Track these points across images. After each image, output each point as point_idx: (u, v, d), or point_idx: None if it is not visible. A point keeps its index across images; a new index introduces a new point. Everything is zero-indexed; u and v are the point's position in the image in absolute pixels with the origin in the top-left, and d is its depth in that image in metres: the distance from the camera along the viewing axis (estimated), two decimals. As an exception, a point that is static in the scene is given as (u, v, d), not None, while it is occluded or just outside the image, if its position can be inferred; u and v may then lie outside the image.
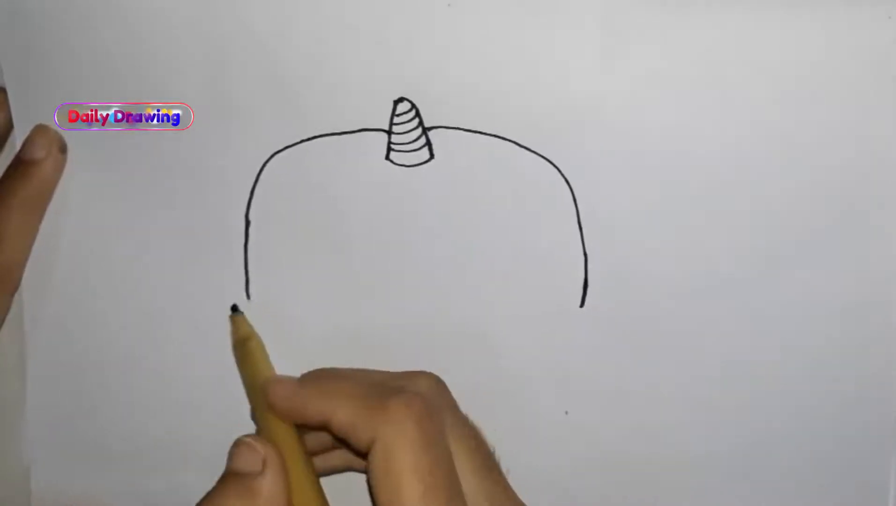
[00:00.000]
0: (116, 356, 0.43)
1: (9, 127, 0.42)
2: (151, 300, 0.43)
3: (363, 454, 0.34)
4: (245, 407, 0.42)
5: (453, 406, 0.37)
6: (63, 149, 0.42)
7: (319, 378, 0.36)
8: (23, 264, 0.42)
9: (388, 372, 0.37)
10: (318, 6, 0.39)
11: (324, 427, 0.35)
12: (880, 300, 0.40)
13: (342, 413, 0.34)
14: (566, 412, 0.42)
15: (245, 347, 0.39)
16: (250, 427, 0.42)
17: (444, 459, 0.33)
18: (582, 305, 0.41)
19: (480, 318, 0.42)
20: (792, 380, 0.41)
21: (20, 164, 0.41)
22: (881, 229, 0.40)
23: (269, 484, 0.34)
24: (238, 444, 0.35)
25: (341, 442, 0.35)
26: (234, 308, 0.40)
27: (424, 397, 0.34)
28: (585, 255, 0.41)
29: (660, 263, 0.41)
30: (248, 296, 0.43)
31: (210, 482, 0.43)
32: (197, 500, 0.43)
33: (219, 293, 0.42)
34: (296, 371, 0.41)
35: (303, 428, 0.36)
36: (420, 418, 0.33)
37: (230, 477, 0.35)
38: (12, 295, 0.42)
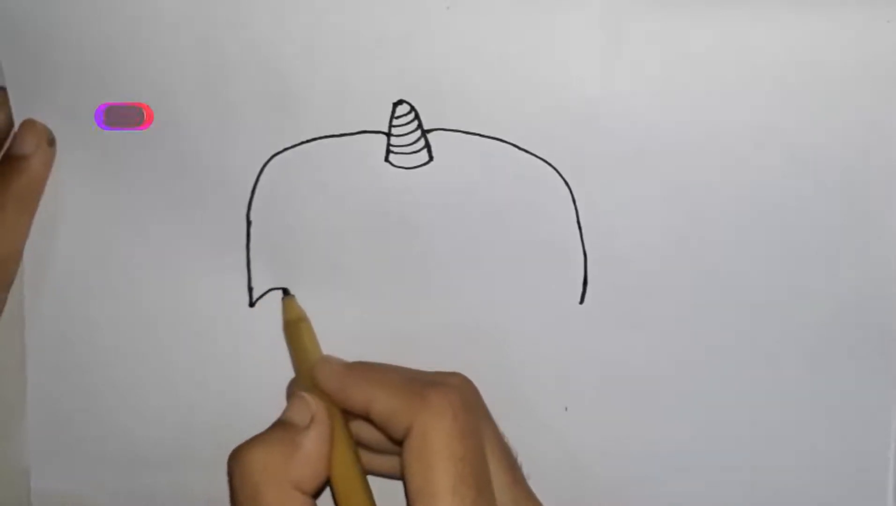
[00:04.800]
0: (117, 357, 0.43)
1: (9, 126, 0.42)
2: (152, 301, 0.43)
3: (399, 443, 0.34)
4: (246, 406, 0.42)
5: (485, 407, 0.38)
6: (51, 142, 0.42)
7: (364, 366, 0.38)
8: (17, 259, 0.42)
9: (423, 371, 0.38)
10: (318, 8, 0.39)
11: (364, 414, 0.36)
12: (880, 299, 0.40)
13: (382, 400, 0.35)
14: (566, 408, 0.42)
15: (297, 327, 0.41)
16: (251, 426, 0.43)
17: (477, 451, 0.34)
18: (582, 302, 0.41)
19: (480, 316, 0.42)
20: (792, 377, 0.41)
21: (10, 159, 0.41)
22: (881, 231, 0.40)
23: (311, 440, 0.35)
24: (294, 396, 0.37)
25: (380, 431, 0.36)
26: (286, 291, 0.42)
27: (462, 392, 0.35)
28: (585, 253, 0.41)
29: (658, 261, 0.41)
30: (249, 296, 0.43)
31: (210, 482, 0.43)
32: (197, 500, 0.44)
33: (220, 293, 0.42)
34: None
35: (345, 415, 0.37)
36: (457, 410, 0.34)
37: (279, 425, 0.36)
38: (7, 291, 0.42)
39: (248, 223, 0.42)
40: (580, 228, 0.41)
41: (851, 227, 0.40)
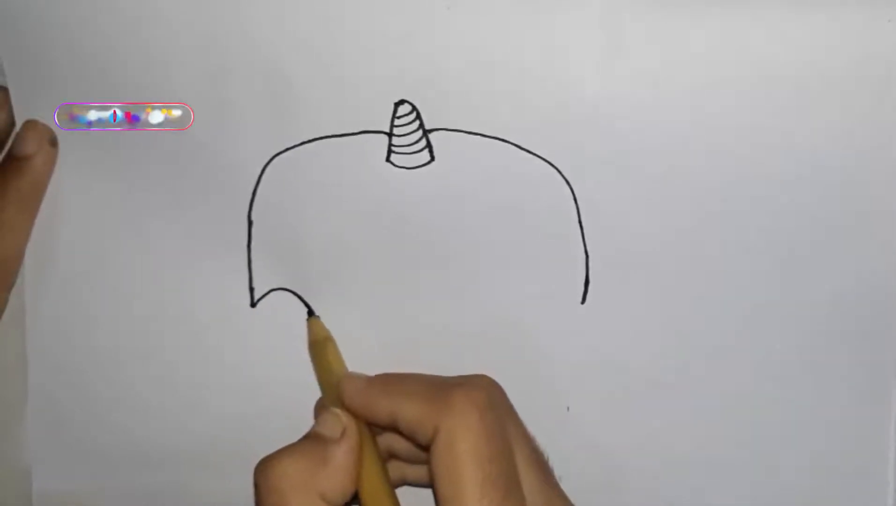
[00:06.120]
0: (118, 357, 0.43)
1: (11, 126, 0.42)
2: (154, 300, 0.43)
3: (427, 449, 0.34)
4: (246, 406, 0.42)
5: (512, 408, 0.38)
6: (53, 142, 0.42)
7: (386, 377, 0.37)
8: (19, 260, 0.42)
9: (445, 376, 0.37)
10: (319, 8, 0.40)
11: (391, 425, 0.36)
12: (880, 298, 0.40)
13: (407, 408, 0.35)
14: (567, 408, 0.42)
15: (324, 347, 0.41)
16: (252, 426, 0.43)
17: (504, 451, 0.34)
18: (583, 301, 0.42)
19: (481, 316, 0.42)
20: (792, 377, 0.41)
21: (12, 160, 0.41)
22: (881, 231, 0.40)
23: (341, 453, 0.35)
24: (325, 410, 0.37)
25: (409, 440, 0.36)
26: (311, 312, 0.42)
27: (488, 392, 0.35)
28: (586, 253, 0.41)
29: (660, 260, 0.41)
30: (251, 296, 0.43)
31: (211, 482, 0.43)
32: (197, 500, 0.44)
33: (221, 293, 0.42)
34: (298, 369, 0.42)
35: (373, 428, 0.37)
36: (483, 410, 0.34)
37: (308, 438, 0.36)
38: (9, 291, 0.42)
39: (250, 223, 0.42)
40: (581, 227, 0.41)
41: (851, 226, 0.40)
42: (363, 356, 0.40)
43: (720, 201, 0.40)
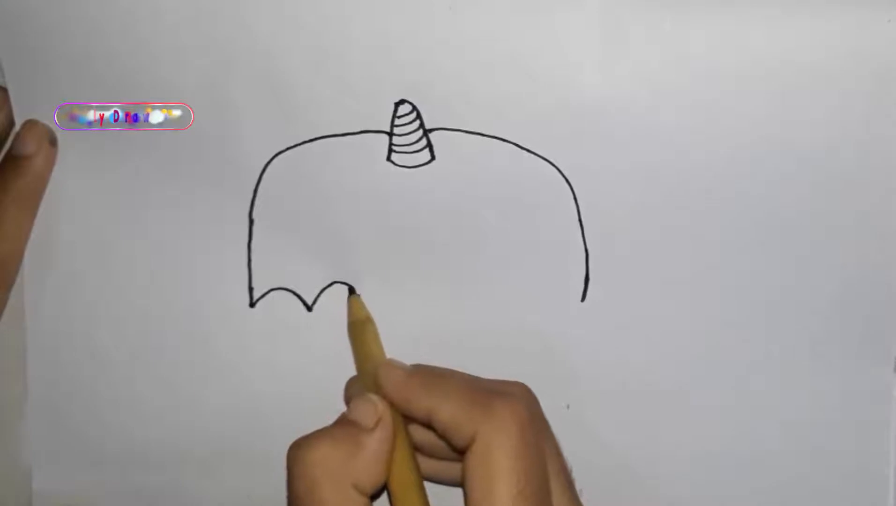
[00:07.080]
0: (118, 356, 0.43)
1: (10, 126, 0.42)
2: (154, 300, 0.43)
3: (459, 451, 0.34)
4: (246, 406, 0.42)
5: (546, 421, 0.37)
6: (53, 142, 0.42)
7: (427, 372, 0.37)
8: (19, 259, 0.42)
9: (484, 378, 0.37)
10: (319, 7, 0.40)
11: (426, 421, 0.35)
12: (880, 298, 0.40)
13: (446, 409, 0.34)
14: (567, 407, 0.42)
15: (364, 328, 0.40)
16: (251, 426, 0.43)
17: (539, 467, 0.34)
18: (583, 300, 0.42)
19: (481, 314, 0.42)
20: (792, 376, 0.41)
21: (12, 159, 0.41)
22: (881, 231, 0.40)
23: (375, 442, 0.35)
24: (360, 396, 0.36)
25: (441, 439, 0.35)
26: (352, 290, 0.42)
27: (528, 404, 0.35)
28: (586, 251, 0.41)
29: (659, 259, 0.41)
30: (250, 296, 0.43)
31: (210, 482, 0.43)
32: (197, 500, 0.44)
33: (221, 293, 0.42)
34: (298, 369, 0.42)
35: (406, 420, 0.37)
36: (522, 424, 0.34)
37: (344, 423, 0.35)
38: (9, 290, 0.42)
39: (251, 222, 0.42)
40: (581, 226, 0.41)
41: (851, 226, 0.40)
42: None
43: (719, 200, 0.40)
